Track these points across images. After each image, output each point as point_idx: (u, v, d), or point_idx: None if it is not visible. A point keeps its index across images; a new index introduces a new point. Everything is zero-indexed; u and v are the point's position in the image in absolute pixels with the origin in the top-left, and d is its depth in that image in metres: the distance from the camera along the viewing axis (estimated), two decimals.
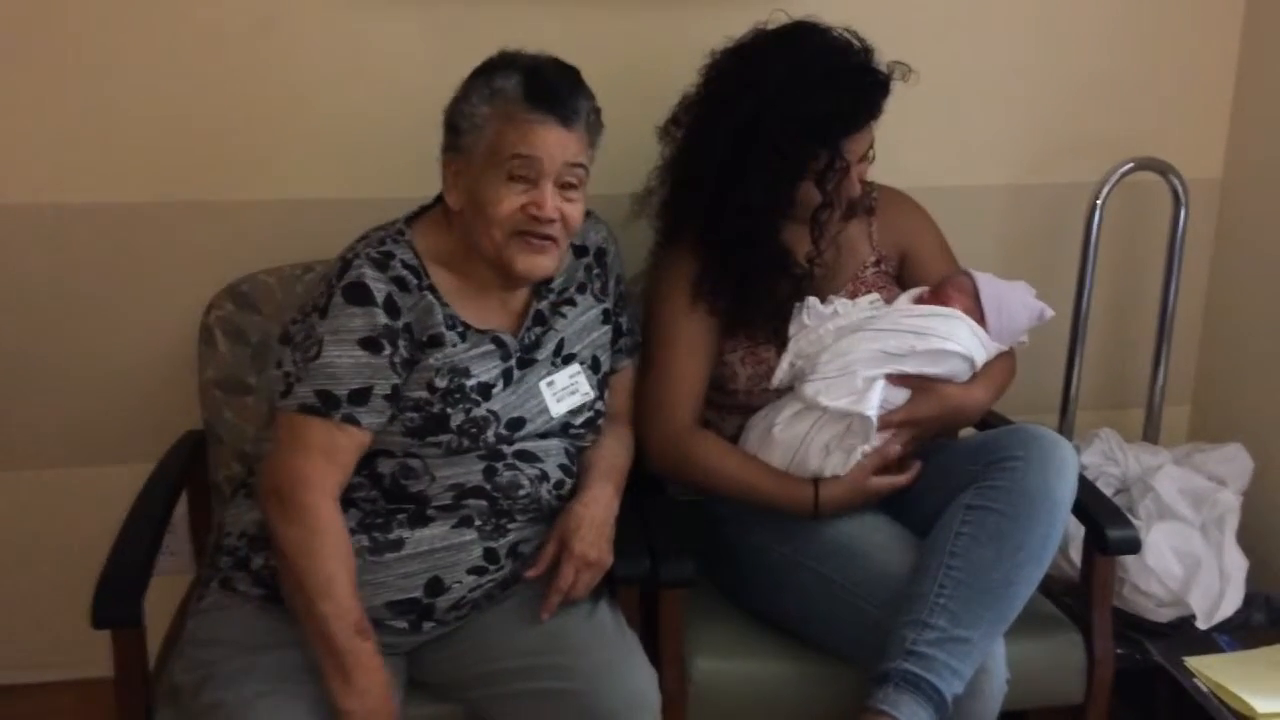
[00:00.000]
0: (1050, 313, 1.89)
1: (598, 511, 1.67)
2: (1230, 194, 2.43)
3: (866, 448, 1.76)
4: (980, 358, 1.82)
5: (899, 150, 1.91)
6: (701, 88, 1.85)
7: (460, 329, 1.62)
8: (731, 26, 1.84)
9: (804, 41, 1.77)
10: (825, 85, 1.73)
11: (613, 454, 1.77)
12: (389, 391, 1.56)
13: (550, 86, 1.59)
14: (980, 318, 1.83)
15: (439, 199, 1.69)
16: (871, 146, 1.82)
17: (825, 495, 1.77)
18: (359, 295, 1.55)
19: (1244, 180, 2.40)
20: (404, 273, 1.59)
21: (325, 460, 1.53)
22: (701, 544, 1.89)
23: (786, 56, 1.76)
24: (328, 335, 1.54)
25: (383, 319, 1.55)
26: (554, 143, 1.58)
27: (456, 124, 1.62)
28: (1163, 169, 2.26)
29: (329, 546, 1.51)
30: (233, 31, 1.99)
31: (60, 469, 2.15)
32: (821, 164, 1.76)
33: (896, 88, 1.79)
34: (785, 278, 1.85)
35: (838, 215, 1.84)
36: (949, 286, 1.87)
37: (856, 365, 1.76)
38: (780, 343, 1.84)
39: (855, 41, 1.77)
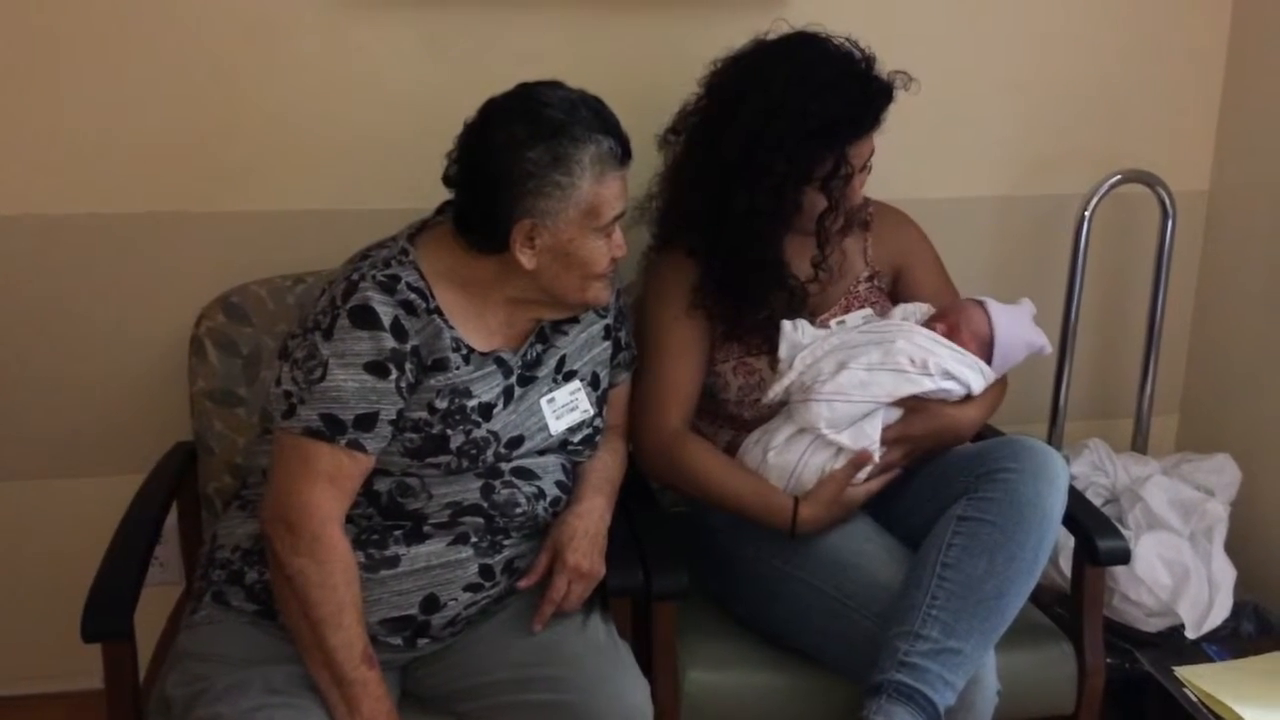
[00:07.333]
0: (1049, 349, 1.89)
1: (591, 523, 1.67)
2: (1217, 206, 2.45)
3: (862, 475, 1.76)
4: (978, 390, 1.82)
5: (890, 162, 1.91)
6: (703, 96, 1.85)
7: (465, 352, 1.60)
8: (727, 36, 1.84)
9: (807, 49, 1.78)
10: (831, 90, 1.74)
11: (606, 466, 1.77)
12: (394, 416, 1.55)
13: (627, 140, 1.60)
14: (988, 357, 1.83)
15: (439, 211, 1.68)
16: (871, 156, 1.83)
17: (804, 514, 1.75)
18: (365, 319, 1.52)
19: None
20: (411, 296, 1.56)
21: (332, 487, 1.52)
22: (694, 556, 1.88)
23: (791, 63, 1.77)
24: (333, 358, 1.51)
25: (390, 343, 1.53)
26: (626, 189, 1.62)
27: (529, 188, 1.53)
28: (1150, 181, 2.27)
29: (338, 576, 1.49)
30: (223, 41, 1.99)
31: (50, 480, 2.14)
32: (827, 169, 1.77)
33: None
34: (782, 290, 1.85)
35: (841, 222, 1.85)
36: (963, 327, 1.84)
37: (853, 388, 1.75)
38: (773, 353, 1.83)
39: (857, 51, 1.78)
